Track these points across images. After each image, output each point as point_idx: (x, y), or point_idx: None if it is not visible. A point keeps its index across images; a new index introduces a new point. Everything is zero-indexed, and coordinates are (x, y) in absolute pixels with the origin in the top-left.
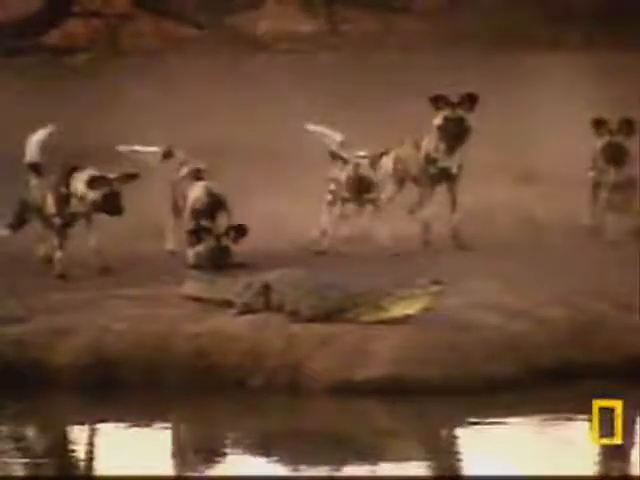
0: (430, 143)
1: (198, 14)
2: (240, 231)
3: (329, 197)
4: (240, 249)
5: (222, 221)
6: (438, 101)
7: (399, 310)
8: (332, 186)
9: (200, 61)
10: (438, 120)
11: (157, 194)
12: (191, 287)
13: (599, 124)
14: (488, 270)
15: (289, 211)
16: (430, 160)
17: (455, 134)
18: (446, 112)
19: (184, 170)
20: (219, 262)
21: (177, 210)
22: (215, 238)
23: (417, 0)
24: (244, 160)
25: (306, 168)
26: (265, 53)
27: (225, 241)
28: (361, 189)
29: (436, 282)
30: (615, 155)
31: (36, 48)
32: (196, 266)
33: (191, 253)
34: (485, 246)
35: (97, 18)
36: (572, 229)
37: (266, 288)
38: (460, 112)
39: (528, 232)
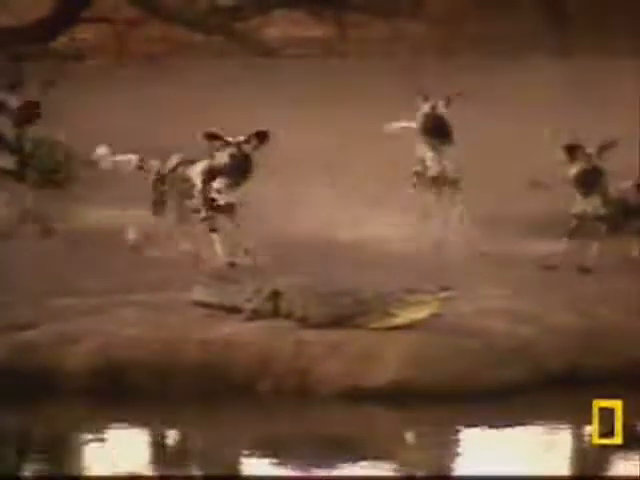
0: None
1: (207, 20)
2: (261, 137)
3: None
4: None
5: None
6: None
7: (408, 316)
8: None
9: (209, 67)
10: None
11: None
12: (200, 293)
13: (573, 150)
14: (497, 276)
15: (301, 215)
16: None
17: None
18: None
19: (170, 164)
20: (241, 170)
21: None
22: (237, 146)
23: (425, 6)
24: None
25: (313, 172)
26: (274, 59)
27: (247, 149)
28: None
29: (445, 288)
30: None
31: (44, 54)
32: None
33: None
34: (494, 252)
35: (106, 24)
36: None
37: (275, 294)
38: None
39: (535, 239)
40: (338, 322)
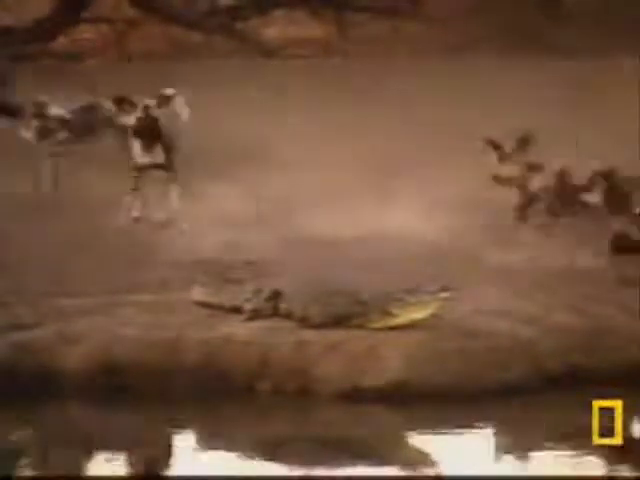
0: None
1: (207, 20)
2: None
3: None
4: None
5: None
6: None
7: (408, 316)
8: None
9: (209, 67)
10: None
11: None
12: (200, 293)
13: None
14: (497, 276)
15: (301, 215)
16: None
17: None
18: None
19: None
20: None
21: None
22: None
23: (425, 6)
24: (254, 163)
25: (313, 171)
26: (274, 58)
27: (155, 112)
28: None
29: (445, 288)
30: None
31: (44, 54)
32: None
33: None
34: (495, 252)
35: (106, 24)
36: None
37: (276, 294)
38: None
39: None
40: (338, 322)
